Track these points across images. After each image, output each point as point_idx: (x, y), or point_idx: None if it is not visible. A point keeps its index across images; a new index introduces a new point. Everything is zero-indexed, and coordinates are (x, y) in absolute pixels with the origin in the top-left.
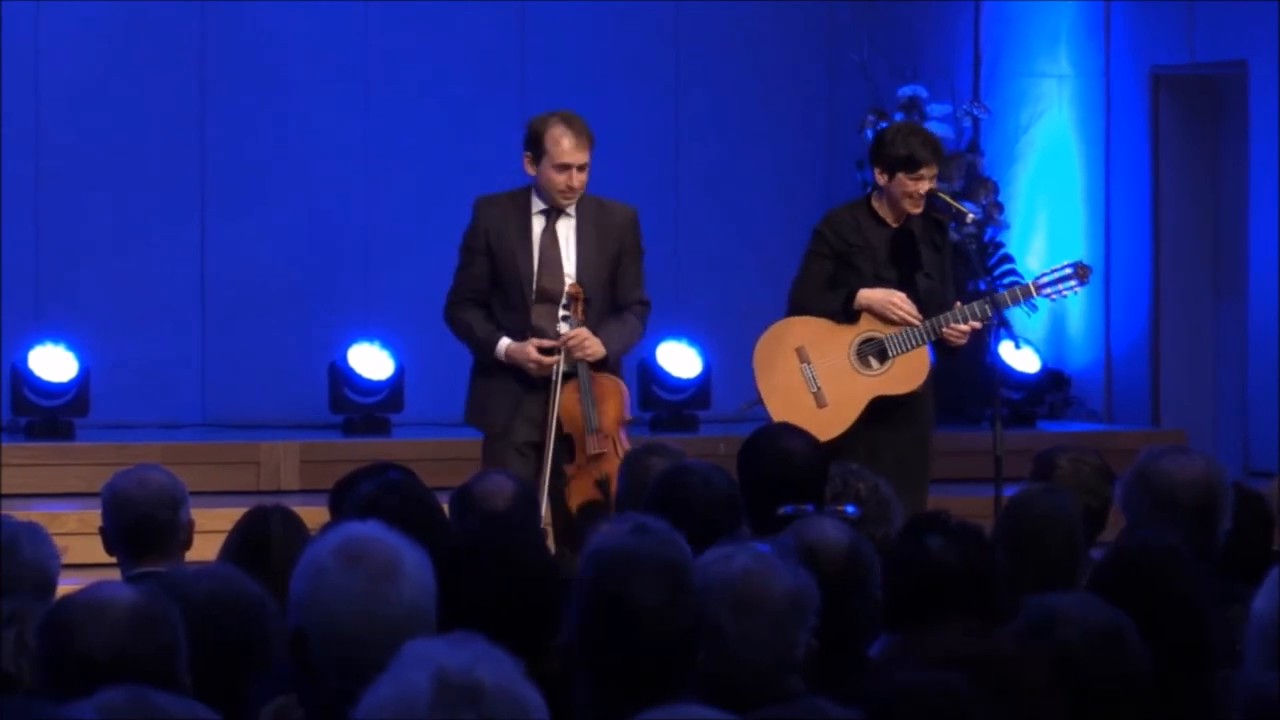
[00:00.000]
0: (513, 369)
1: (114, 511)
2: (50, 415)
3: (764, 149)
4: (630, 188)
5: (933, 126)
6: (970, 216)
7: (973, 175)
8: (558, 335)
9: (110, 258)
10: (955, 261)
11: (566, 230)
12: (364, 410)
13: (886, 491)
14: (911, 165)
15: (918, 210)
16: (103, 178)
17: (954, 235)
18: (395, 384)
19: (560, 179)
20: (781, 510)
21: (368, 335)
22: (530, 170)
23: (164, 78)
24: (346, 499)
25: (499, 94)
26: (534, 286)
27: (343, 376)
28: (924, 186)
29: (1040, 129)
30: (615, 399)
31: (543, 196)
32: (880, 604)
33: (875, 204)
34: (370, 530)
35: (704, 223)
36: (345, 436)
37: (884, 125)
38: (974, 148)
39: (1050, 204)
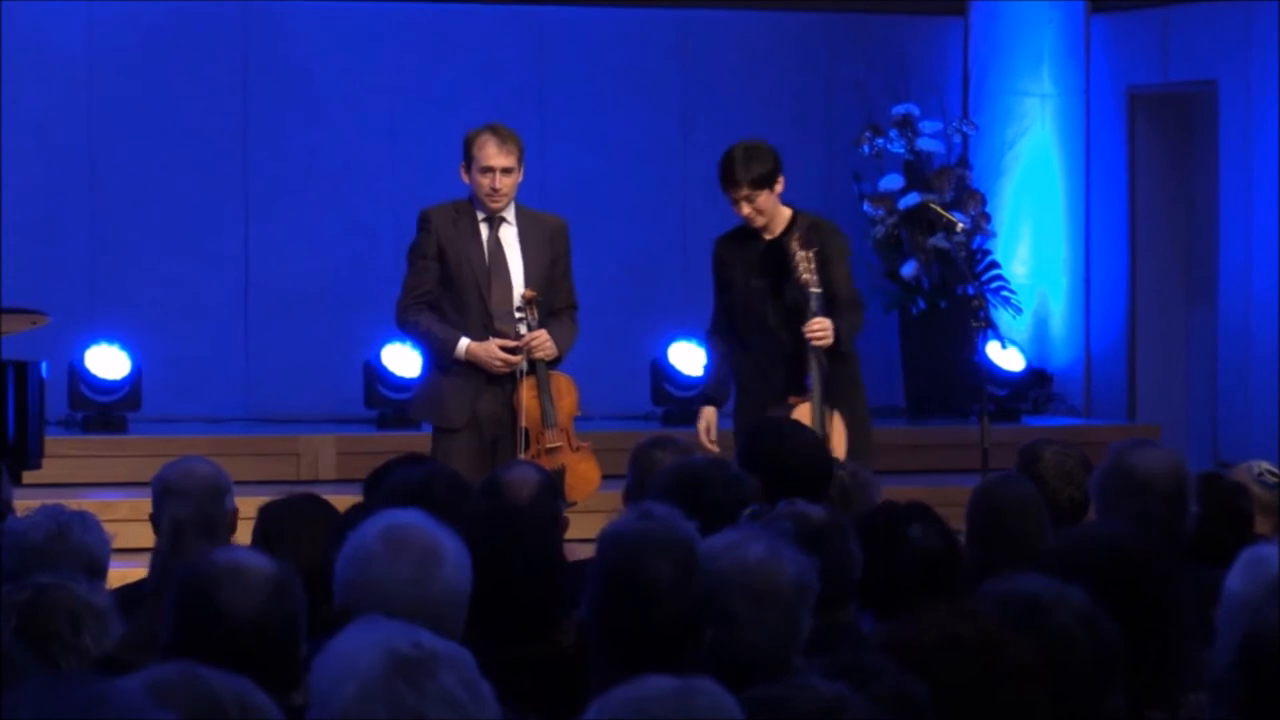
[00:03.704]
0: (468, 367)
1: (163, 500)
2: (104, 410)
3: None
4: (641, 193)
5: (924, 142)
6: (959, 226)
7: (962, 188)
8: (517, 336)
9: (160, 262)
10: (945, 268)
11: (510, 238)
12: (397, 405)
13: (866, 475)
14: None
15: (756, 225)
16: (153, 188)
17: (945, 244)
18: None
19: (485, 181)
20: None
21: (400, 335)
22: (465, 179)
23: (210, 94)
24: (380, 488)
25: (518, 107)
26: (490, 290)
27: (376, 374)
28: (742, 209)
29: (1025, 144)
30: (570, 395)
31: (480, 205)
32: (857, 572)
33: None
34: (413, 518)
35: (710, 228)
36: (379, 430)
37: (880, 141)
38: (963, 162)
39: (1034, 214)
